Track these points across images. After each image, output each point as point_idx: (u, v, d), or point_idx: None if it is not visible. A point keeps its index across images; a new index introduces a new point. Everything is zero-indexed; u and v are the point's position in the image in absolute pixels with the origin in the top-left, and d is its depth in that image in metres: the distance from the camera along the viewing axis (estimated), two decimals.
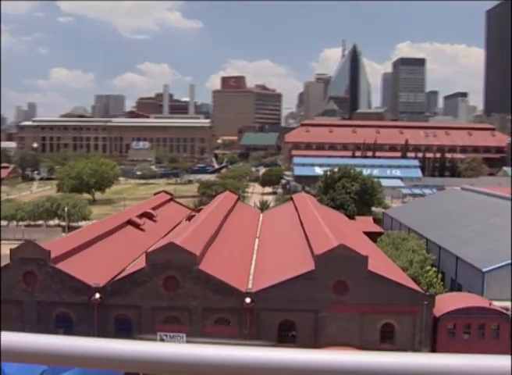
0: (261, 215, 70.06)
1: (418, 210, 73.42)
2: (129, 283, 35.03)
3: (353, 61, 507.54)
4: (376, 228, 68.69)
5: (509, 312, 36.71)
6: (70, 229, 73.80)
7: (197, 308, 34.69)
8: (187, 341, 28.46)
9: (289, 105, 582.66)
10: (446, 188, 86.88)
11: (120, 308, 35.03)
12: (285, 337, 34.87)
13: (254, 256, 45.76)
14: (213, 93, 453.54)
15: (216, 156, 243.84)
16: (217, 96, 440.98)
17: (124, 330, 34.41)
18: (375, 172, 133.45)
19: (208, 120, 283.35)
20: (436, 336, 35.62)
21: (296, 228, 49.64)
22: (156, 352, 1.57)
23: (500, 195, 63.56)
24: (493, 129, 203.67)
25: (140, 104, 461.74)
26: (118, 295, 34.81)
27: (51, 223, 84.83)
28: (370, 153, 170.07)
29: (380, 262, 42.01)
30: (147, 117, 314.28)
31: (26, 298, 35.23)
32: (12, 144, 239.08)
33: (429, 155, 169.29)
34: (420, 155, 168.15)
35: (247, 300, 34.42)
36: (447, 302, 37.12)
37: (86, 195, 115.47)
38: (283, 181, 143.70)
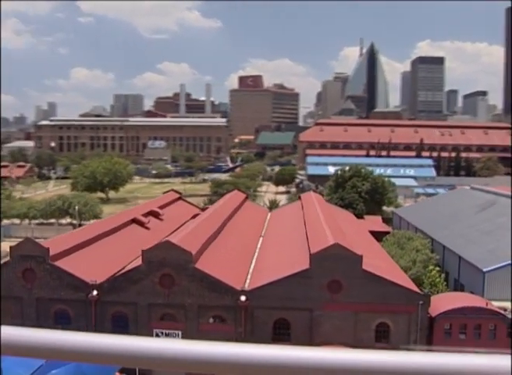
0: (269, 214, 70.36)
1: (426, 210, 73.06)
2: (125, 281, 35.49)
3: (371, 59, 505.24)
4: (384, 227, 68.46)
5: (506, 313, 36.47)
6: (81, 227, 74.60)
7: (193, 305, 35.03)
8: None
9: (308, 105, 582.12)
10: (456, 188, 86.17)
11: (117, 305, 35.50)
12: (280, 335, 35.05)
13: (256, 255, 46.02)
14: (230, 92, 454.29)
15: (234, 155, 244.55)
16: (234, 95, 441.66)
17: (121, 327, 34.89)
18: (389, 171, 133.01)
19: (224, 119, 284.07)
20: (432, 336, 35.53)
21: (299, 227, 49.72)
22: (152, 348, 1.58)
23: (509, 195, 62.91)
24: (511, 128, 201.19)
25: (157, 103, 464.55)
26: (115, 292, 35.29)
27: (63, 221, 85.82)
28: (384, 152, 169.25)
29: (381, 262, 42.00)
30: (164, 116, 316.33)
31: (25, 294, 35.86)
32: (30, 144, 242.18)
33: (444, 154, 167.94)
34: (435, 154, 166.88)
35: (242, 298, 34.65)
36: (444, 302, 36.99)
37: (100, 194, 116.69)
38: (297, 180, 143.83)
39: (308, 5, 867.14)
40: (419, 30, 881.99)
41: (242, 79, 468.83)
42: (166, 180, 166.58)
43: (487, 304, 36.67)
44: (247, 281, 37.77)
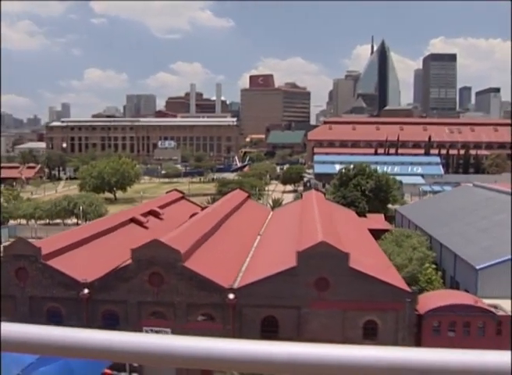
0: (271, 213, 70.71)
1: (427, 207, 72.91)
2: (116, 279, 36.02)
3: (382, 57, 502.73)
4: (385, 225, 68.39)
5: (496, 311, 36.43)
6: None
7: (182, 303, 35.46)
8: None
9: (321, 103, 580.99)
10: (460, 185, 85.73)
11: (107, 303, 36.04)
12: (267, 332, 35.33)
13: (251, 253, 46.34)
14: (241, 91, 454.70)
15: (240, 155, 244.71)
16: (245, 95, 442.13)
17: (111, 325, 35.36)
18: (397, 169, 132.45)
19: (234, 119, 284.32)
20: (421, 333, 35.63)
21: (295, 226, 49.96)
22: (143, 343, 1.62)
23: (509, 192, 62.57)
24: None
25: (169, 103, 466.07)
26: (105, 291, 35.83)
27: (69, 221, 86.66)
28: (393, 150, 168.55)
29: (372, 260, 42.13)
30: (175, 116, 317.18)
31: (18, 293, 36.52)
32: (43, 145, 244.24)
33: (453, 151, 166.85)
34: (444, 151, 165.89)
35: (231, 296, 35.01)
36: (433, 300, 37.05)
37: (108, 194, 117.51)
38: (305, 179, 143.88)
39: (321, 4, 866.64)
40: (432, 27, 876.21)
41: (252, 78, 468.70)
42: (175, 179, 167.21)
43: (476, 301, 36.66)
44: (238, 279, 38.13)
